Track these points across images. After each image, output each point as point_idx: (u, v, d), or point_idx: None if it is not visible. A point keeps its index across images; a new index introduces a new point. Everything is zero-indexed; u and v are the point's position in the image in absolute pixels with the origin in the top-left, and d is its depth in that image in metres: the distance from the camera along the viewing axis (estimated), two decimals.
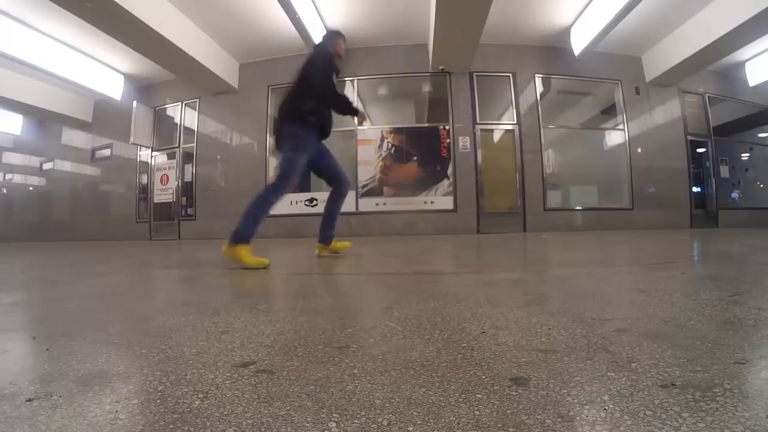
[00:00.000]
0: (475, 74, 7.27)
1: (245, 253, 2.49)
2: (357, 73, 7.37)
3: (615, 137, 7.65)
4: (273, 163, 7.54)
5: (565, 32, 6.92)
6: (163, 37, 5.81)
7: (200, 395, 0.66)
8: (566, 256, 3.09)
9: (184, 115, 8.33)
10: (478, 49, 6.59)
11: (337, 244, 3.13)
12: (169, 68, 7.08)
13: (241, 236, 2.53)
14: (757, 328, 0.95)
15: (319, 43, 2.97)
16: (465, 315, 1.17)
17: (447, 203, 7.13)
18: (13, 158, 10.82)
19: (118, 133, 8.55)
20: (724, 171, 8.17)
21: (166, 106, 8.53)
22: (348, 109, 2.84)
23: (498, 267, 2.52)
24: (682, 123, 7.71)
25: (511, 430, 0.53)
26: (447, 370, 0.75)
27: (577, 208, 7.35)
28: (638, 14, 5.89)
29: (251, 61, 7.78)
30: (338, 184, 3.06)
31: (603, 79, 7.58)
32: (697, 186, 7.89)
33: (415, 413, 0.58)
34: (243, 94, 7.85)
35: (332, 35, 2.99)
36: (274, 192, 2.78)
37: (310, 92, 2.68)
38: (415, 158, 7.31)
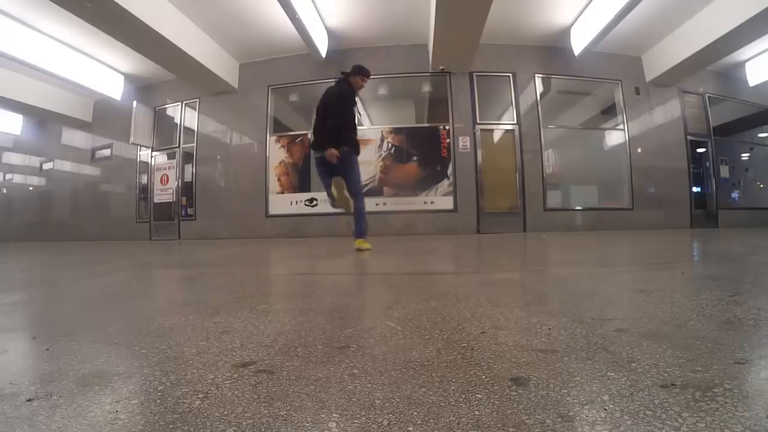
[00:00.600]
0: (475, 74, 7.27)
1: (363, 242, 3.57)
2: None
3: (615, 137, 7.65)
4: (274, 162, 7.55)
5: (565, 32, 6.92)
6: (163, 37, 5.81)
7: (200, 395, 0.66)
8: (566, 256, 3.09)
9: (184, 115, 8.33)
10: (478, 49, 6.59)
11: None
12: (169, 68, 7.07)
13: (362, 233, 3.64)
14: (757, 328, 0.95)
15: (345, 75, 3.62)
16: (465, 315, 1.17)
17: (447, 203, 7.12)
18: (13, 158, 10.81)
19: (118, 133, 8.54)
20: (724, 171, 8.16)
21: (166, 106, 8.52)
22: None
23: (498, 267, 2.52)
24: (682, 123, 7.71)
25: (511, 430, 0.53)
26: (447, 370, 0.75)
27: (577, 208, 7.35)
28: (638, 14, 5.89)
29: (251, 61, 7.78)
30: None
31: (603, 79, 7.58)
32: (697, 186, 7.89)
33: (415, 413, 0.58)
34: (243, 94, 7.84)
35: (354, 72, 3.61)
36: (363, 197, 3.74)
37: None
38: (415, 158, 7.30)
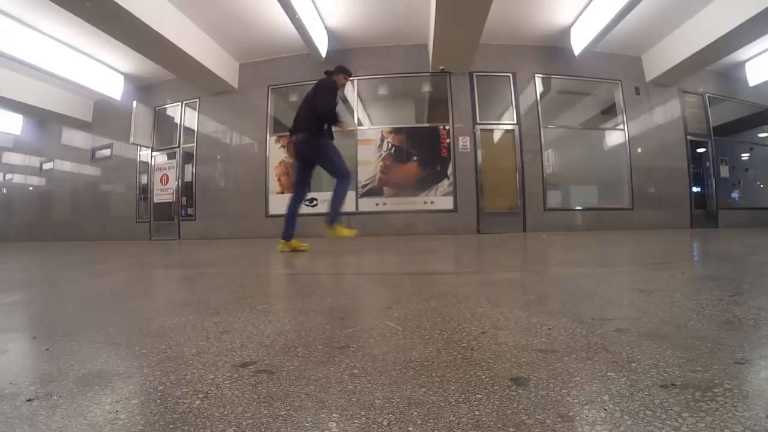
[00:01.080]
0: (475, 74, 7.27)
1: (341, 229, 3.59)
2: (357, 73, 7.36)
3: (615, 137, 7.65)
4: (274, 162, 7.55)
5: (565, 32, 6.92)
6: (163, 37, 5.81)
7: (200, 395, 0.66)
8: (566, 256, 3.09)
9: (184, 115, 8.33)
10: (478, 49, 6.59)
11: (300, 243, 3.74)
12: (169, 68, 7.07)
13: (336, 218, 3.59)
14: (757, 328, 0.95)
15: (328, 73, 3.74)
16: (465, 315, 1.17)
17: (447, 203, 7.13)
18: (13, 158, 10.82)
19: (118, 133, 8.54)
20: (724, 171, 8.17)
21: (166, 106, 8.52)
22: (334, 122, 3.68)
23: (498, 267, 2.52)
24: (682, 123, 7.71)
25: (511, 430, 0.53)
26: (447, 370, 0.75)
27: (577, 208, 7.35)
28: (638, 14, 5.89)
29: (251, 61, 7.78)
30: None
31: (603, 79, 7.58)
32: (697, 186, 7.89)
33: (415, 413, 0.58)
34: (243, 94, 7.84)
35: (337, 71, 3.76)
36: (348, 184, 3.72)
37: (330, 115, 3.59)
38: (415, 158, 7.30)
